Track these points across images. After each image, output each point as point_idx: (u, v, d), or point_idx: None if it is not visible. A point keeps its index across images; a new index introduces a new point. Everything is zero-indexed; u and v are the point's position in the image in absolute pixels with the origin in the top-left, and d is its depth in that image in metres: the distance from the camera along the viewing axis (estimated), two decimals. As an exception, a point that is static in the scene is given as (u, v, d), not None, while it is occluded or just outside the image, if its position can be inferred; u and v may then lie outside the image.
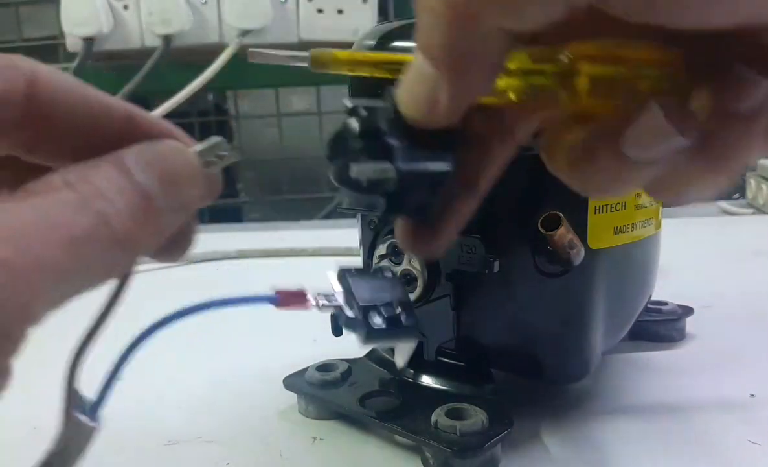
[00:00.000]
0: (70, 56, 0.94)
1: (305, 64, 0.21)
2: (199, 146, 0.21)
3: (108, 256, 0.17)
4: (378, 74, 0.21)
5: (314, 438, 0.34)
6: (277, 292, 0.23)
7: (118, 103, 0.21)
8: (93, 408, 0.21)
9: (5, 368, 0.15)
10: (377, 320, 0.23)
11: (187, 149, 0.20)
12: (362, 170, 0.20)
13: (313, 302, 0.22)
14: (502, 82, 0.20)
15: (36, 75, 0.19)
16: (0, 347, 0.15)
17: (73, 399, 0.20)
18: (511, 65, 0.19)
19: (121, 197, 0.17)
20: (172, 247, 0.21)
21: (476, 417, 0.30)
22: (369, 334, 0.23)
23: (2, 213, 0.16)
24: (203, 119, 1.12)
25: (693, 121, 0.18)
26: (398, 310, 0.24)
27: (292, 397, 0.36)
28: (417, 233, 0.23)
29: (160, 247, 0.19)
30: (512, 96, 0.20)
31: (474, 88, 0.19)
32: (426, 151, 0.20)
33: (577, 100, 0.19)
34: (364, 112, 0.21)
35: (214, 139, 0.21)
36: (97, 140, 0.19)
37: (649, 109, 0.18)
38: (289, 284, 0.22)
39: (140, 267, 0.20)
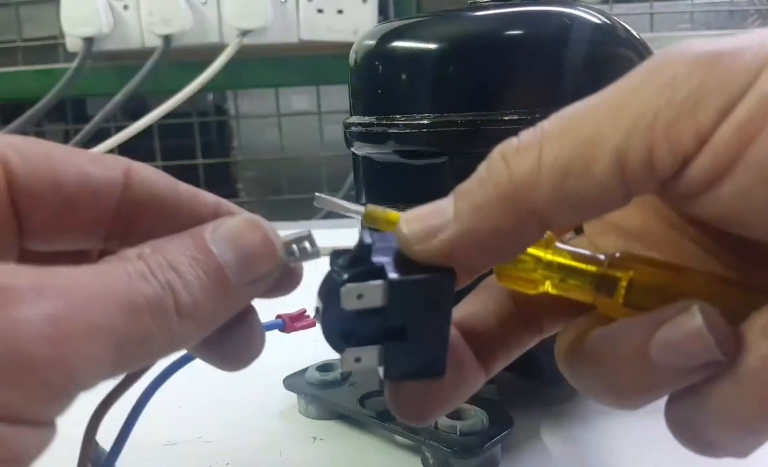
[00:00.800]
0: (70, 56, 0.94)
1: (359, 217, 0.21)
2: (287, 234, 0.20)
3: (172, 327, 0.16)
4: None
5: (314, 438, 0.34)
6: (279, 317, 0.22)
7: (206, 195, 0.21)
8: (109, 460, 0.20)
9: (46, 422, 0.15)
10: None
11: (264, 225, 0.19)
12: (350, 290, 0.18)
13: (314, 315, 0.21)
14: (538, 274, 0.20)
15: (131, 166, 0.20)
16: (39, 399, 0.14)
17: (90, 451, 0.20)
18: (551, 257, 0.19)
19: (193, 269, 0.17)
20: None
21: (476, 417, 0.30)
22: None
23: (65, 274, 0.15)
24: (203, 118, 1.11)
25: (734, 340, 0.16)
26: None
27: (292, 397, 0.36)
28: (409, 394, 0.20)
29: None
30: (549, 287, 0.20)
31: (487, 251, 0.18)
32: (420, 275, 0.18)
33: (612, 306, 0.19)
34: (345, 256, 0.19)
35: (304, 231, 0.20)
36: (183, 229, 0.19)
37: (690, 311, 0.16)
38: (290, 304, 0.22)
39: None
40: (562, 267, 0.19)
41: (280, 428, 0.35)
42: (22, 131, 1.00)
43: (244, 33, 0.89)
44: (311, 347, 0.42)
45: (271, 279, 0.19)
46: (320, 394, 0.35)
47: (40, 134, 1.15)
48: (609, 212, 0.17)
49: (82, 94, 1.05)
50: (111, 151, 0.91)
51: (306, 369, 0.37)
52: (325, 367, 0.37)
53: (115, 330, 0.15)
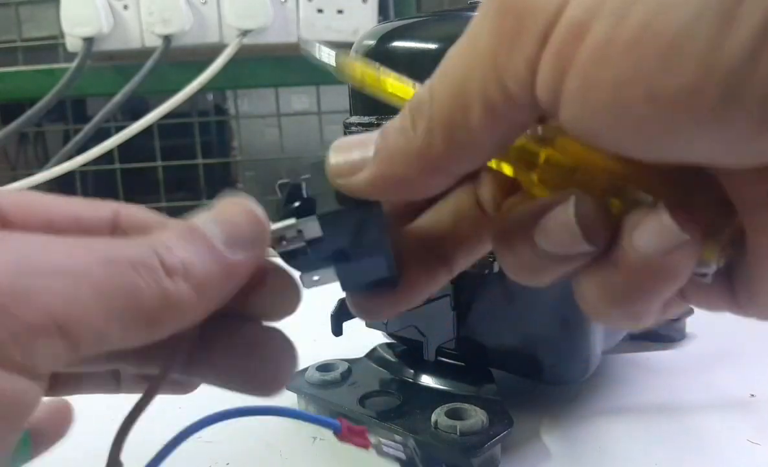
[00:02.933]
0: (70, 56, 0.94)
1: (331, 64, 0.22)
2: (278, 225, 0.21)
3: (164, 284, 0.17)
4: (376, 94, 0.22)
5: (314, 438, 0.34)
6: (339, 419, 0.24)
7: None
8: None
9: (32, 371, 0.15)
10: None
11: (245, 200, 0.21)
12: (282, 227, 0.20)
13: (373, 441, 0.23)
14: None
15: (119, 207, 0.22)
16: (20, 336, 0.15)
17: None
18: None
19: (178, 240, 0.18)
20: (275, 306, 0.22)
21: (476, 417, 0.30)
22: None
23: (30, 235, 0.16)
24: (203, 118, 1.11)
25: (602, 231, 0.17)
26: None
27: (292, 397, 0.36)
28: (367, 296, 0.22)
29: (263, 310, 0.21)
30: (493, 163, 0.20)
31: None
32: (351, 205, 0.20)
33: (530, 182, 0.19)
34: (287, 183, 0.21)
35: (294, 222, 0.21)
36: None
37: (567, 201, 0.18)
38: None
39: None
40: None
41: (280, 428, 0.35)
42: (22, 131, 1.00)
43: (244, 33, 0.89)
44: (311, 348, 0.42)
45: (262, 248, 0.20)
46: (320, 394, 0.35)
47: (40, 134, 1.15)
48: (503, 150, 0.19)
49: (82, 94, 1.05)
50: (111, 151, 0.91)
51: (306, 369, 0.37)
52: (325, 367, 0.37)
53: (90, 274, 0.16)
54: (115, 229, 0.22)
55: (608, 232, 0.18)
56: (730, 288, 0.19)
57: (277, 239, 0.21)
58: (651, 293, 0.18)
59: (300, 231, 0.20)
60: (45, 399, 0.17)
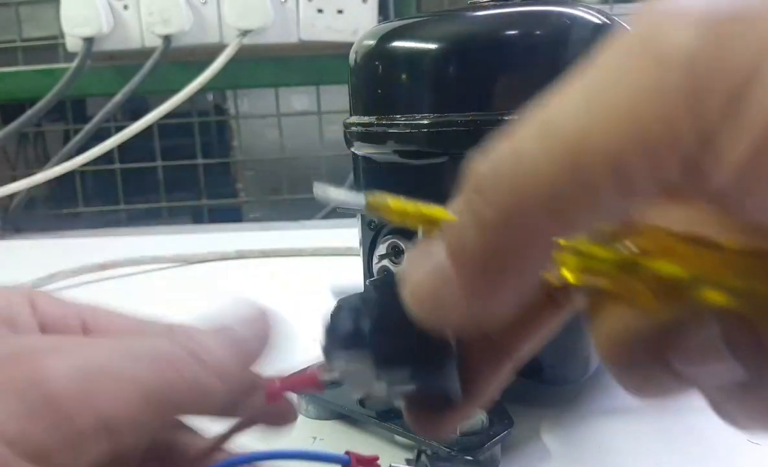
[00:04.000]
0: (70, 56, 0.94)
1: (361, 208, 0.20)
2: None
3: (199, 378, 0.18)
4: (422, 226, 0.19)
5: (314, 438, 0.34)
6: (348, 453, 0.24)
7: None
8: None
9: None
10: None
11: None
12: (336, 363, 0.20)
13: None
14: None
15: (34, 295, 0.21)
16: (68, 436, 0.15)
17: None
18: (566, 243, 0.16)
19: (212, 338, 0.19)
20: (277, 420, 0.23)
21: (476, 417, 0.30)
22: None
23: (83, 340, 0.19)
24: (203, 118, 1.11)
25: (757, 353, 0.14)
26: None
27: (292, 397, 0.36)
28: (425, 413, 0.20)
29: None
30: (568, 275, 0.17)
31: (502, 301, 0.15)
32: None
33: (635, 297, 0.16)
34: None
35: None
36: None
37: (705, 321, 0.15)
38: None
39: (136, 268, 0.20)
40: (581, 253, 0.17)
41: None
42: (22, 131, 1.00)
43: (244, 33, 0.89)
44: (311, 348, 0.42)
45: (270, 344, 0.22)
46: (320, 394, 0.35)
47: (40, 134, 1.15)
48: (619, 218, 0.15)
49: (82, 94, 1.05)
50: (111, 151, 0.91)
51: (306, 369, 0.37)
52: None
53: (137, 376, 0.17)
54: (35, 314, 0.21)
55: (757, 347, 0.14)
56: None
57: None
58: None
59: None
60: None
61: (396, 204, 0.19)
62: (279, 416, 0.23)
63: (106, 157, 0.94)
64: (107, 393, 0.16)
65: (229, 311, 0.21)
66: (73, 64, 0.91)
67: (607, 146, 0.13)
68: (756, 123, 0.12)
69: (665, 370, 0.16)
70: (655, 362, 0.16)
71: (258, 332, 0.21)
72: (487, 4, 0.33)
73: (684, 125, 0.12)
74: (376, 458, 0.24)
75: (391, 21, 0.36)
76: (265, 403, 0.22)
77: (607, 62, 0.13)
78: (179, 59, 0.94)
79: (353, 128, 0.35)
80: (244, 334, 0.21)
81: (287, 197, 1.11)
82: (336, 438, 0.34)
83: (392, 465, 0.23)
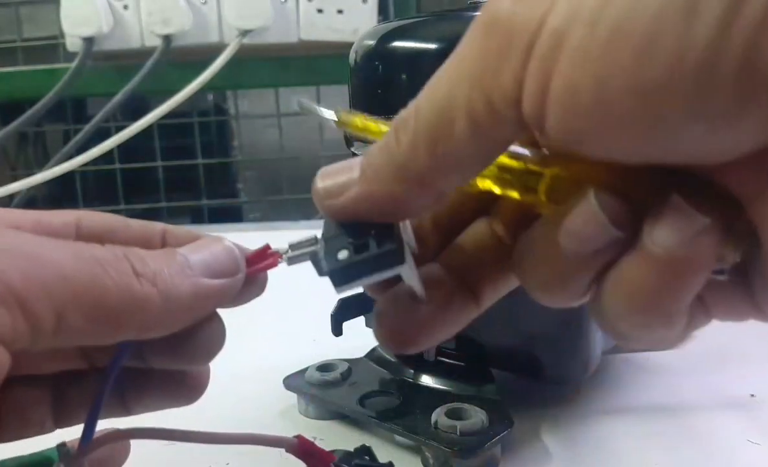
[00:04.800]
0: (70, 56, 0.94)
1: (333, 120, 0.24)
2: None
3: (131, 283, 0.19)
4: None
5: (314, 438, 0.34)
6: (298, 437, 0.24)
7: (154, 224, 0.24)
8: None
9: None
10: (342, 254, 0.20)
11: (226, 241, 0.22)
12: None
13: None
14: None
15: (81, 214, 0.23)
16: None
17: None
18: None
19: (154, 257, 0.20)
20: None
21: (476, 417, 0.30)
22: (333, 271, 0.20)
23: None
24: (203, 118, 1.11)
25: (626, 214, 0.18)
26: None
27: (292, 397, 0.36)
28: (391, 321, 0.22)
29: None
30: (491, 185, 0.20)
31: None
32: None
33: (539, 203, 0.20)
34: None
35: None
36: None
37: (587, 198, 0.18)
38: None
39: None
40: (499, 165, 0.20)
41: (280, 428, 0.35)
42: (22, 131, 1.00)
43: (244, 33, 0.89)
44: (311, 348, 0.42)
45: (235, 285, 0.21)
46: (320, 394, 0.35)
47: (40, 134, 1.15)
48: (487, 165, 0.19)
49: (82, 94, 1.05)
50: (111, 151, 0.91)
51: (306, 369, 0.37)
52: (325, 367, 0.37)
53: (55, 261, 0.18)
54: (79, 230, 0.23)
55: (631, 215, 0.18)
56: (750, 291, 0.19)
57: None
58: (676, 290, 0.18)
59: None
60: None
61: (360, 121, 0.23)
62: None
63: (106, 157, 0.94)
64: (18, 267, 0.17)
65: (202, 244, 0.21)
66: (73, 64, 0.91)
67: (462, 101, 0.17)
68: (543, 65, 0.16)
69: (558, 262, 0.19)
70: (547, 257, 0.19)
71: (220, 266, 0.21)
72: (487, 4, 0.33)
73: (505, 74, 0.17)
74: (333, 458, 0.24)
75: (391, 21, 0.36)
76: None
77: (467, 37, 0.18)
78: (179, 59, 0.94)
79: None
80: (208, 266, 0.21)
81: (287, 197, 1.11)
82: (336, 438, 0.34)
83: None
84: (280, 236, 0.34)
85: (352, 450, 0.26)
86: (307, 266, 0.22)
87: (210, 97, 1.16)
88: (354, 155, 0.37)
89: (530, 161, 0.19)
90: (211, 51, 0.89)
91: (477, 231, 0.23)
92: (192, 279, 0.20)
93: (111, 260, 0.18)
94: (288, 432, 0.35)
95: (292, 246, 0.22)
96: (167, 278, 0.19)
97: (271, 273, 0.23)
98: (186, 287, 0.20)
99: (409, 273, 0.21)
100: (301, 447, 0.24)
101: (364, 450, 0.26)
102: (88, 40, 0.91)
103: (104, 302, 0.18)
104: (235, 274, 0.21)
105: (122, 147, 0.91)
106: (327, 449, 0.32)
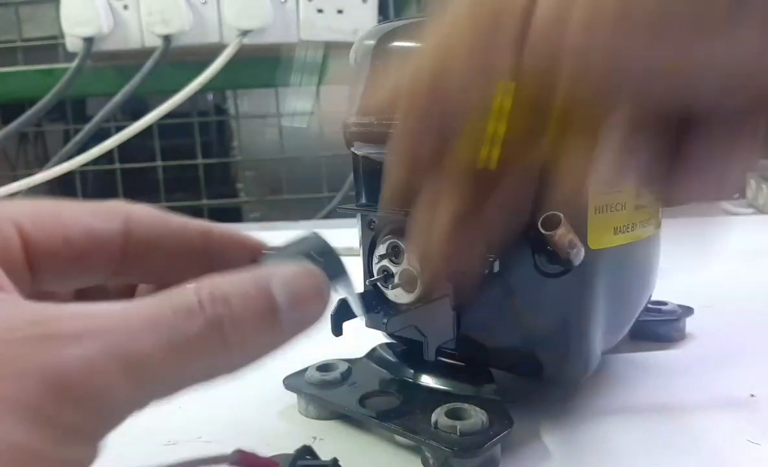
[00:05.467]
0: (70, 56, 0.94)
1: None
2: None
3: (217, 363, 0.18)
4: None
5: (314, 438, 0.34)
6: (239, 451, 0.23)
7: (193, 222, 0.23)
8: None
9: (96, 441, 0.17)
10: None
11: (318, 275, 0.21)
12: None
13: None
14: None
15: (129, 214, 0.22)
16: (91, 416, 0.16)
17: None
18: None
19: (246, 305, 0.18)
20: None
21: (476, 417, 0.30)
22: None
23: (106, 313, 0.17)
24: (203, 118, 1.11)
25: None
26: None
27: (292, 397, 0.36)
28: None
29: None
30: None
31: None
32: None
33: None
34: None
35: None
36: (179, 257, 0.23)
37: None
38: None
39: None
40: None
41: (280, 428, 0.35)
42: (22, 131, 1.00)
43: (244, 33, 0.89)
44: (311, 347, 0.42)
45: (316, 323, 0.21)
46: (320, 394, 0.35)
47: (40, 134, 1.15)
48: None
49: (82, 94, 1.05)
50: (111, 151, 0.91)
51: (306, 369, 0.37)
52: (325, 367, 0.37)
53: (148, 360, 0.17)
54: (127, 235, 0.22)
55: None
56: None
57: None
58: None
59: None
60: None
61: None
62: None
63: (106, 157, 0.94)
64: (115, 382, 0.16)
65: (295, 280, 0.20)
66: (73, 64, 0.91)
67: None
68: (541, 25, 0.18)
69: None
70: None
71: (307, 313, 0.20)
72: (487, 4, 0.33)
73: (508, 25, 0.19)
74: (276, 464, 0.23)
75: (391, 21, 0.36)
76: None
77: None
78: (179, 59, 0.94)
79: (353, 128, 0.35)
80: (292, 309, 0.19)
81: (287, 197, 1.11)
82: (336, 438, 0.34)
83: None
84: (280, 236, 0.34)
85: (292, 451, 0.27)
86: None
87: (210, 97, 1.16)
88: (354, 155, 0.37)
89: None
90: (211, 51, 0.89)
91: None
92: (278, 335, 0.20)
93: (200, 338, 0.17)
94: (288, 432, 0.35)
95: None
96: (254, 344, 0.19)
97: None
98: (269, 345, 0.19)
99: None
100: (241, 459, 0.23)
101: (306, 450, 0.26)
102: (88, 40, 0.91)
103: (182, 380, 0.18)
104: (319, 314, 0.21)
105: (122, 147, 0.91)
106: (327, 449, 0.32)
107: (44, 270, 0.21)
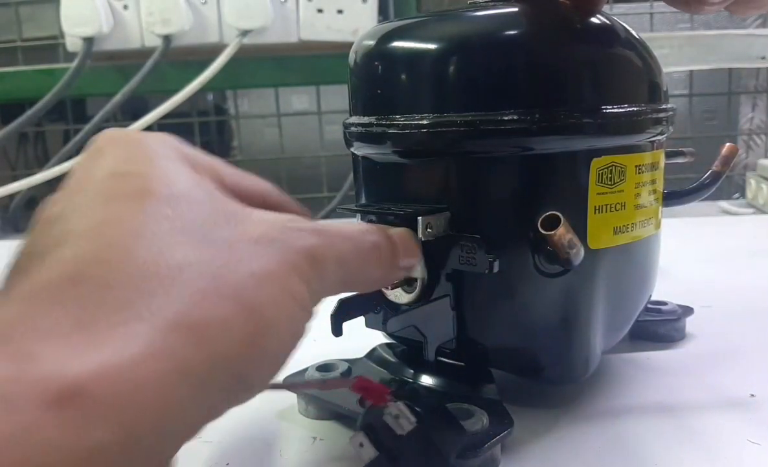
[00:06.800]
0: (70, 56, 0.94)
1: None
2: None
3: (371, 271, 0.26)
4: None
5: (314, 438, 0.34)
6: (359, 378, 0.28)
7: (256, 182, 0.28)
8: None
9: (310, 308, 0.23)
10: None
11: (416, 238, 0.30)
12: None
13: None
14: None
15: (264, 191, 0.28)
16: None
17: None
18: None
19: (387, 243, 0.27)
20: None
21: (476, 417, 0.30)
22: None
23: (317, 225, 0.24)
24: (203, 118, 1.11)
25: None
26: None
27: (292, 397, 0.36)
28: None
29: None
30: None
31: None
32: None
33: None
34: None
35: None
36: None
37: None
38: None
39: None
40: None
41: (280, 428, 0.35)
42: (22, 131, 1.00)
43: (244, 33, 0.89)
44: (311, 348, 0.42)
45: (405, 274, 0.30)
46: (320, 394, 0.35)
47: (40, 134, 1.15)
48: None
49: (82, 94, 1.05)
50: (111, 151, 0.91)
51: (306, 369, 0.37)
52: (325, 367, 0.37)
53: (346, 256, 0.25)
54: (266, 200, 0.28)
55: None
56: None
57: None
58: None
59: None
60: None
61: None
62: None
63: (106, 157, 0.94)
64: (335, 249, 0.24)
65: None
66: (73, 64, 0.91)
67: None
68: None
69: None
70: None
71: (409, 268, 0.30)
72: (486, 4, 0.33)
73: None
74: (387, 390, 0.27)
75: (391, 21, 0.36)
76: None
77: None
78: (179, 59, 0.94)
79: (353, 128, 0.35)
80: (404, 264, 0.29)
81: (287, 197, 1.10)
82: (336, 438, 0.34)
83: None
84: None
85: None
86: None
87: (210, 97, 1.16)
88: (354, 155, 0.37)
89: None
90: (211, 51, 0.89)
91: None
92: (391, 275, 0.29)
93: (381, 254, 0.26)
94: (288, 432, 0.35)
95: None
96: (390, 264, 0.27)
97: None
98: (394, 272, 0.28)
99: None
100: (359, 384, 0.28)
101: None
102: (88, 40, 0.91)
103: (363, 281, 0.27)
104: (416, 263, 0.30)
105: (122, 147, 0.91)
106: (326, 449, 0.32)
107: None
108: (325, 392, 0.35)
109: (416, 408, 0.26)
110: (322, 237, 0.23)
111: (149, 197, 0.20)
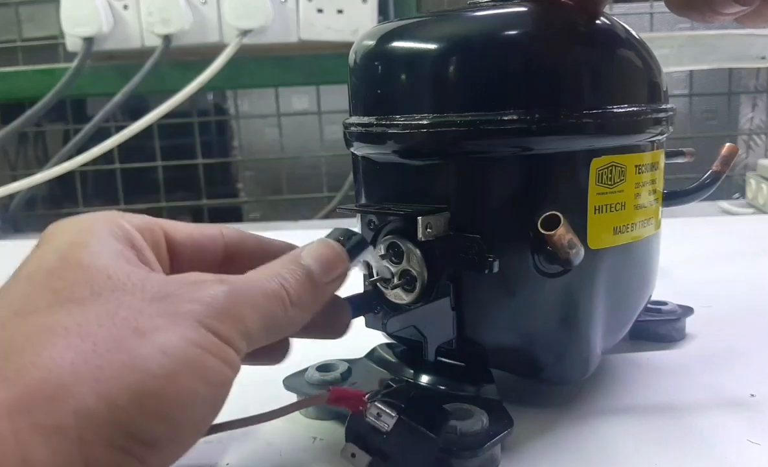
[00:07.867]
0: (70, 56, 0.94)
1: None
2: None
3: (288, 313, 0.26)
4: None
5: (314, 438, 0.34)
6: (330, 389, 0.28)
7: (251, 236, 0.32)
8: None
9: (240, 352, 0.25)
10: None
11: (334, 245, 0.29)
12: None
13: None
14: None
15: (221, 229, 0.31)
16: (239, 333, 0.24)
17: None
18: None
19: (292, 275, 0.27)
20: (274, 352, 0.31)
21: (476, 417, 0.30)
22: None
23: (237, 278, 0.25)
24: (203, 118, 1.12)
25: None
26: None
27: (291, 397, 0.36)
28: None
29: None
30: None
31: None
32: None
33: None
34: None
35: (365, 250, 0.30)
36: (248, 259, 0.30)
37: None
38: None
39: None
40: None
41: (280, 428, 0.35)
42: (22, 131, 1.00)
43: (244, 33, 0.89)
44: (311, 348, 0.42)
45: (343, 278, 0.29)
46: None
47: (40, 134, 1.15)
48: None
49: (82, 94, 1.06)
50: (111, 151, 0.91)
51: (306, 369, 0.37)
52: (325, 367, 0.37)
53: (260, 307, 0.25)
54: (226, 250, 0.31)
55: None
56: None
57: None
58: None
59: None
60: None
61: None
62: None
63: (106, 157, 0.94)
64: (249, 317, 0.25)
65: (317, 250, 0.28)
66: (73, 64, 0.91)
67: None
68: None
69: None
70: None
71: (337, 277, 0.29)
72: (487, 4, 0.33)
73: None
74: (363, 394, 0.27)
75: (391, 21, 0.36)
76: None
77: None
78: (179, 59, 0.94)
79: (353, 128, 0.35)
80: (326, 279, 0.28)
81: (287, 197, 1.11)
82: (336, 438, 0.34)
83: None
84: (280, 236, 0.34)
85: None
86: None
87: (210, 97, 1.16)
88: (354, 155, 0.37)
89: None
90: (211, 51, 0.89)
91: None
92: (318, 291, 0.27)
93: (279, 294, 0.26)
94: (287, 432, 0.35)
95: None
96: (305, 299, 0.27)
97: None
98: (314, 299, 0.27)
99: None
100: (334, 395, 0.28)
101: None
102: (88, 40, 0.91)
103: (278, 330, 0.27)
104: (344, 272, 0.29)
105: (122, 147, 0.91)
106: (326, 449, 0.32)
107: (178, 259, 0.29)
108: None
109: (394, 402, 0.27)
110: (226, 285, 0.25)
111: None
